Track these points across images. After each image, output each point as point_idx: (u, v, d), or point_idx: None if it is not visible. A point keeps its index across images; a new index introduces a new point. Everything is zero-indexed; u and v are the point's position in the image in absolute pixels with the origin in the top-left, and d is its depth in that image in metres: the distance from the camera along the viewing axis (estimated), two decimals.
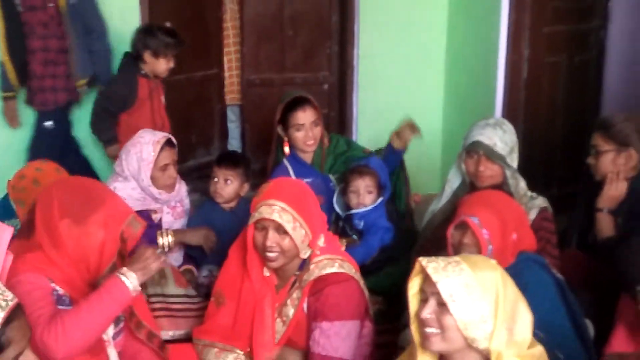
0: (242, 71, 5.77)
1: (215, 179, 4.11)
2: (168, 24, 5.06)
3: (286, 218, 2.84)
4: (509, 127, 3.74)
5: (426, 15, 5.58)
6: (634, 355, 2.70)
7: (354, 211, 4.08)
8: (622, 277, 3.20)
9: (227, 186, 4.09)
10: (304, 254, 2.94)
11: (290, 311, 2.96)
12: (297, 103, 4.17)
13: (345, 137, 4.60)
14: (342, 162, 4.30)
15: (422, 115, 5.53)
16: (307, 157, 4.25)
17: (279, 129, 4.24)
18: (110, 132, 4.78)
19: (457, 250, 2.99)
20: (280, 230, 2.85)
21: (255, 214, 2.89)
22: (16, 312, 1.87)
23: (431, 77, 5.70)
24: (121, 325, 2.86)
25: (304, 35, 5.26)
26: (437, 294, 2.22)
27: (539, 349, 2.35)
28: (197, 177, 5.17)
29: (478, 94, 5.33)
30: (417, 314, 2.32)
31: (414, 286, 2.35)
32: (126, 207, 2.79)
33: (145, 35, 4.74)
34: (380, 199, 4.09)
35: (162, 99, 4.95)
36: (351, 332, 2.90)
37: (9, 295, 1.88)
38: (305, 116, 4.13)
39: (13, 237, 2.59)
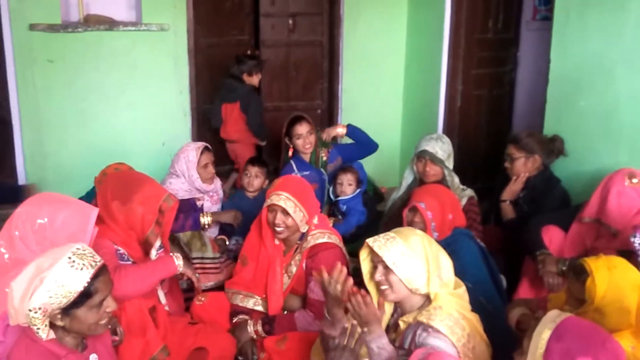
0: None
1: (248, 174, 4.11)
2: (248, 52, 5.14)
3: (289, 204, 2.86)
4: (446, 140, 3.77)
5: (390, 61, 5.54)
6: (533, 301, 2.69)
7: (339, 198, 4.10)
8: (525, 245, 3.23)
9: (256, 180, 4.10)
10: (303, 229, 2.95)
11: (294, 269, 2.97)
12: (297, 120, 4.16)
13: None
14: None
15: (387, 132, 5.58)
16: (306, 157, 4.23)
17: (286, 139, 4.22)
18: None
19: (410, 225, 3.00)
20: (285, 212, 2.86)
21: (268, 201, 2.91)
22: (102, 270, 1.88)
23: (393, 105, 5.66)
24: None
25: (303, 75, 5.25)
26: (382, 262, 2.28)
27: (463, 288, 2.40)
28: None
29: (426, 116, 5.29)
30: (371, 277, 2.39)
31: (363, 254, 2.43)
32: (161, 189, 2.79)
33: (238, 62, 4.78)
34: (358, 190, 4.11)
35: None
36: None
37: (98, 258, 1.89)
38: (302, 128, 4.12)
39: None
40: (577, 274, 2.33)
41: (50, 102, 4.43)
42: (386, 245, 2.29)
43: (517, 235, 3.33)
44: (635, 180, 3.02)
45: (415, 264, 2.27)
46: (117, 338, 2.41)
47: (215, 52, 5.07)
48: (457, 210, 3.19)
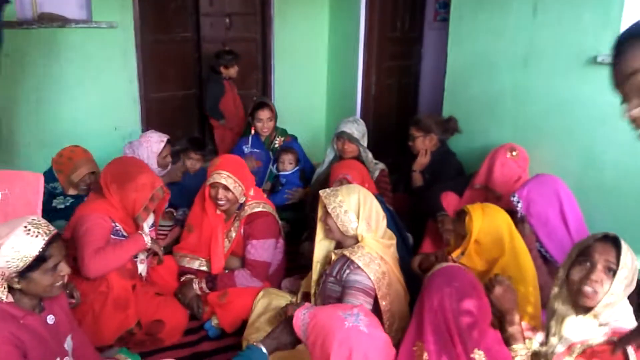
0: None
1: (191, 159, 3.99)
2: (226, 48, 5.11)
3: (230, 181, 2.83)
4: (361, 122, 3.79)
5: (315, 56, 5.50)
6: (434, 254, 2.75)
7: (280, 173, 4.09)
8: (428, 208, 3.30)
9: (198, 163, 4.01)
10: (241, 200, 2.93)
11: (233, 234, 2.95)
12: (261, 105, 4.13)
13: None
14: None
15: (313, 116, 5.59)
16: (262, 137, 4.19)
17: (249, 119, 4.20)
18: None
19: None
20: (226, 188, 2.83)
21: (210, 179, 2.86)
22: (55, 237, 1.81)
23: (318, 93, 5.63)
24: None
25: (240, 67, 5.13)
26: (325, 207, 2.43)
27: (391, 242, 2.51)
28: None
29: (346, 102, 5.31)
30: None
31: (321, 202, 2.51)
32: (156, 180, 2.76)
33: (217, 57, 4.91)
34: (297, 167, 4.10)
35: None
36: (270, 246, 2.93)
37: (52, 227, 1.82)
38: (263, 114, 4.09)
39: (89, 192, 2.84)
40: (459, 215, 2.46)
41: (9, 92, 4.18)
42: (330, 195, 2.42)
43: (422, 200, 3.41)
44: (514, 153, 3.14)
45: (348, 212, 2.38)
46: (74, 301, 2.34)
47: (161, 47, 4.90)
48: (370, 180, 3.29)
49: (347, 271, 2.34)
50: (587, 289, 1.78)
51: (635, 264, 1.79)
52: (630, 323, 1.81)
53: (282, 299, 2.74)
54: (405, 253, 3.01)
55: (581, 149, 3.04)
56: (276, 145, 4.23)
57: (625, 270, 1.75)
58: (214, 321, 2.84)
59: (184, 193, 3.69)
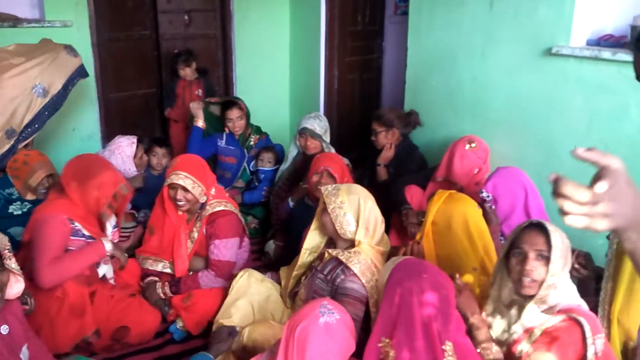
0: None
1: (156, 155, 3.92)
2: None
3: (188, 182, 2.78)
4: (323, 117, 3.79)
5: (276, 51, 5.47)
6: (398, 247, 2.78)
7: (260, 168, 4.04)
8: (392, 202, 3.31)
9: (164, 159, 3.94)
10: (202, 200, 2.89)
11: (195, 234, 2.91)
12: (229, 105, 4.07)
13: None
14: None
15: (276, 112, 5.56)
16: (236, 135, 4.14)
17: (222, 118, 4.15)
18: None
19: (316, 186, 3.06)
20: (185, 189, 2.79)
21: (168, 180, 2.82)
22: None
23: (281, 89, 5.61)
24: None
25: (200, 64, 5.07)
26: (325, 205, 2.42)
27: (385, 249, 2.49)
28: None
29: (309, 98, 5.30)
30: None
31: (320, 202, 2.51)
32: (118, 177, 2.71)
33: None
34: (277, 166, 4.05)
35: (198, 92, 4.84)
36: (233, 245, 2.91)
37: None
38: (232, 113, 4.03)
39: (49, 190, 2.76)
40: (429, 197, 2.54)
41: None
42: (331, 194, 2.39)
43: (387, 194, 3.42)
44: (473, 145, 3.17)
45: (347, 214, 2.35)
46: (27, 307, 2.26)
47: (119, 45, 4.78)
48: (349, 176, 3.29)
49: (342, 276, 2.31)
50: (525, 279, 1.87)
51: (565, 242, 1.87)
52: (575, 299, 1.89)
53: (262, 285, 2.68)
54: None
55: (540, 140, 3.08)
56: (251, 143, 4.17)
57: (557, 251, 1.82)
58: (179, 324, 2.80)
59: (146, 194, 3.63)
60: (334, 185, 2.46)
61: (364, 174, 3.99)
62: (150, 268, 2.98)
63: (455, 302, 1.88)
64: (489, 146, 3.25)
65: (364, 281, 2.27)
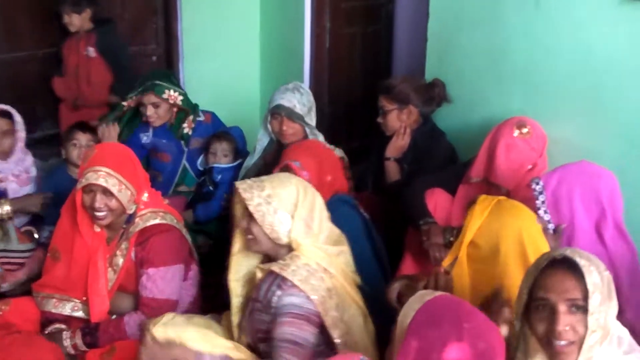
0: None
1: (77, 144, 3.91)
2: None
3: (112, 182, 2.79)
4: (305, 90, 3.79)
5: None
6: (418, 275, 2.78)
7: (215, 165, 4.08)
8: (407, 213, 3.32)
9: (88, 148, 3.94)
10: (130, 210, 2.90)
11: (120, 260, 2.92)
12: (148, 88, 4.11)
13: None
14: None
15: (242, 82, 5.56)
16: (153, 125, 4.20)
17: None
18: None
19: None
20: (107, 192, 2.79)
21: (82, 180, 2.81)
22: None
23: (248, 47, 5.62)
24: None
25: (131, 11, 5.06)
26: (247, 209, 2.44)
27: (341, 248, 2.56)
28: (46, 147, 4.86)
29: (289, 61, 5.32)
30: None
31: (236, 199, 2.57)
32: None
33: None
34: (238, 162, 4.07)
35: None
36: (175, 275, 2.92)
37: None
38: (146, 97, 4.08)
39: None
40: (468, 205, 2.55)
41: None
42: (252, 188, 2.44)
43: (399, 201, 3.42)
44: (525, 130, 3.17)
45: (279, 211, 2.42)
46: None
47: None
48: (337, 171, 3.30)
49: (279, 292, 2.38)
50: (558, 343, 1.86)
51: (605, 275, 1.87)
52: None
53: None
54: (381, 281, 3.02)
55: (621, 122, 3.09)
56: (186, 131, 4.21)
57: (597, 295, 1.82)
58: None
59: (56, 205, 3.62)
60: (252, 179, 2.53)
61: (367, 173, 4.02)
62: (53, 311, 2.98)
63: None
64: (547, 132, 3.26)
65: (308, 292, 2.34)
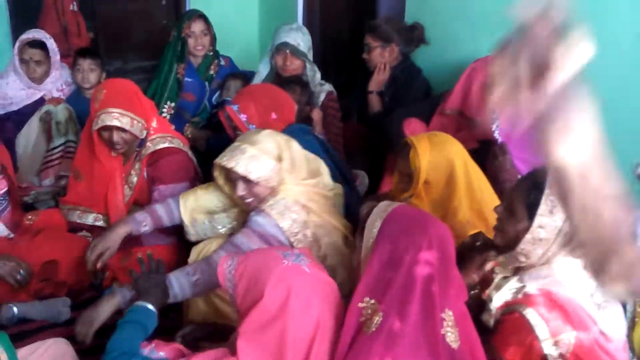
0: None
1: (80, 69, 4.00)
2: None
3: (125, 120, 2.84)
4: (306, 31, 3.83)
5: None
6: (384, 195, 2.80)
7: (227, 98, 3.99)
8: (387, 140, 3.39)
9: (92, 74, 4.02)
10: (142, 136, 2.96)
11: (134, 179, 3.01)
12: (191, 14, 4.13)
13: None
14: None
15: (243, 24, 5.55)
16: (196, 61, 4.19)
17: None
18: None
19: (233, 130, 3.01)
20: (122, 129, 2.85)
21: (98, 121, 2.83)
22: None
23: None
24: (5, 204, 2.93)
25: None
26: (238, 175, 2.40)
27: (316, 180, 2.56)
28: None
29: (284, 4, 5.30)
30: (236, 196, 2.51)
31: (220, 179, 2.60)
32: None
33: None
34: None
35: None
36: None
37: None
38: (195, 25, 4.07)
39: None
40: (402, 148, 2.53)
41: None
42: (233, 156, 2.41)
43: (381, 130, 3.51)
44: None
45: (268, 164, 2.40)
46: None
47: None
48: (282, 107, 3.09)
49: (252, 214, 2.44)
50: None
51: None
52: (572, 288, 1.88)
53: None
54: (356, 199, 3.06)
55: (612, 64, 2.70)
56: (211, 72, 4.24)
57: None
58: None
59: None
60: (227, 150, 2.47)
61: (352, 104, 4.09)
62: (78, 221, 3.08)
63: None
64: None
65: (280, 222, 2.37)
